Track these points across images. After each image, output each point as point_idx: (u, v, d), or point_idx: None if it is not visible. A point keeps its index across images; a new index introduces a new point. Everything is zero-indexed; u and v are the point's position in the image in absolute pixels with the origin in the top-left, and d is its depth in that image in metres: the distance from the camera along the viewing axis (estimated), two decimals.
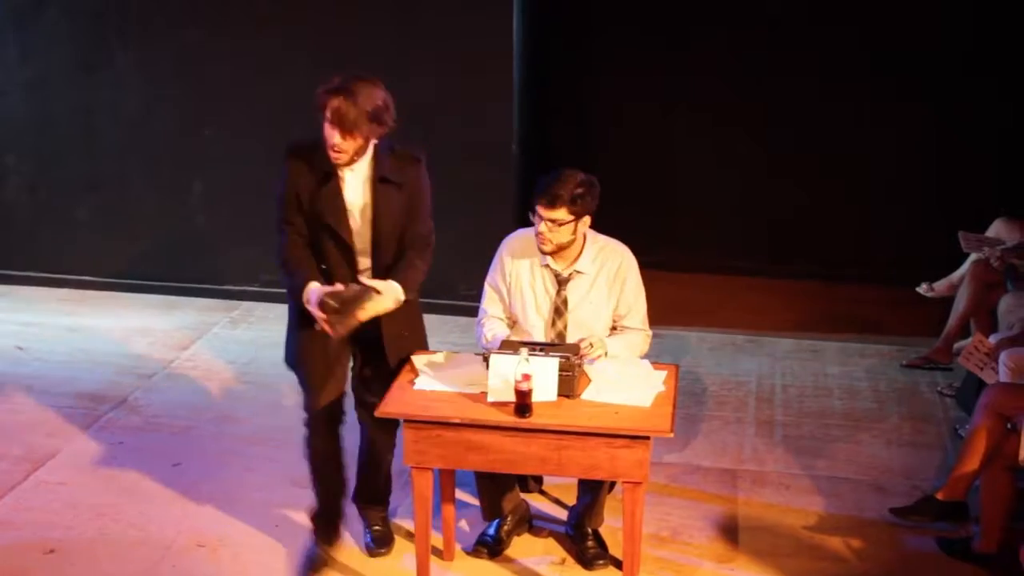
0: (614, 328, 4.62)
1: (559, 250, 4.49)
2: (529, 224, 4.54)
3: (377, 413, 4.19)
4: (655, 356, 4.73)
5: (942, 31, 7.62)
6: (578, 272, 4.55)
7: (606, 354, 4.44)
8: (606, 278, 4.56)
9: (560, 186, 4.37)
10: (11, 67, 7.54)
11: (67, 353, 6.67)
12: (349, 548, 4.65)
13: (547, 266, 4.55)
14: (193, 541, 4.71)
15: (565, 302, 4.55)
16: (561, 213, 4.39)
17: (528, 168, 7.37)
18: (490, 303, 4.65)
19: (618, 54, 8.03)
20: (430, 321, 4.72)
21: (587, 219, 4.48)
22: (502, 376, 4.11)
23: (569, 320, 4.54)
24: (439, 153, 7.25)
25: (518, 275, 4.59)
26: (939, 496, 4.83)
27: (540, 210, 4.41)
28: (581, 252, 4.55)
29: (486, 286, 4.66)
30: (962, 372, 6.02)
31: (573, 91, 8.14)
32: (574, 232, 4.46)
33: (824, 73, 7.81)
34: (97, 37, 7.42)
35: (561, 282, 4.55)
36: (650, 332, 4.66)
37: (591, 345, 4.39)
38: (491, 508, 4.65)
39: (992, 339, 5.31)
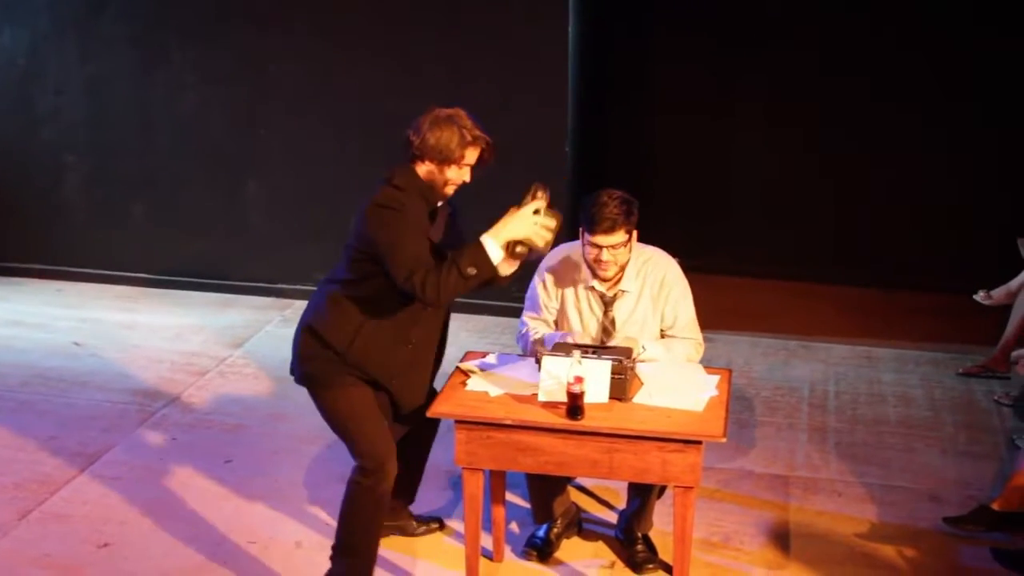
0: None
1: (621, 270, 4.46)
2: (577, 235, 4.50)
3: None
4: (707, 361, 4.70)
5: (999, 33, 7.54)
6: (623, 291, 4.51)
7: (644, 348, 4.40)
8: (650, 293, 4.52)
9: (610, 209, 4.31)
10: (71, 67, 7.64)
11: (122, 349, 6.74)
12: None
13: (592, 288, 4.53)
14: (244, 538, 4.74)
15: (613, 322, 4.52)
16: (620, 235, 4.35)
17: (581, 170, 7.35)
18: (530, 317, 4.62)
19: (673, 55, 8.01)
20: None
21: (635, 231, 4.46)
22: (554, 377, 4.11)
23: (617, 339, 4.49)
24: None
25: (563, 298, 4.56)
26: (994, 506, 4.78)
27: (599, 240, 4.33)
28: (624, 270, 4.52)
29: (528, 300, 4.63)
30: (1020, 381, 5.94)
31: (627, 92, 8.13)
32: (630, 247, 4.43)
33: (878, 76, 7.74)
34: (154, 37, 7.51)
35: (607, 303, 4.52)
36: (702, 340, 4.61)
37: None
38: (541, 510, 4.64)
39: None
